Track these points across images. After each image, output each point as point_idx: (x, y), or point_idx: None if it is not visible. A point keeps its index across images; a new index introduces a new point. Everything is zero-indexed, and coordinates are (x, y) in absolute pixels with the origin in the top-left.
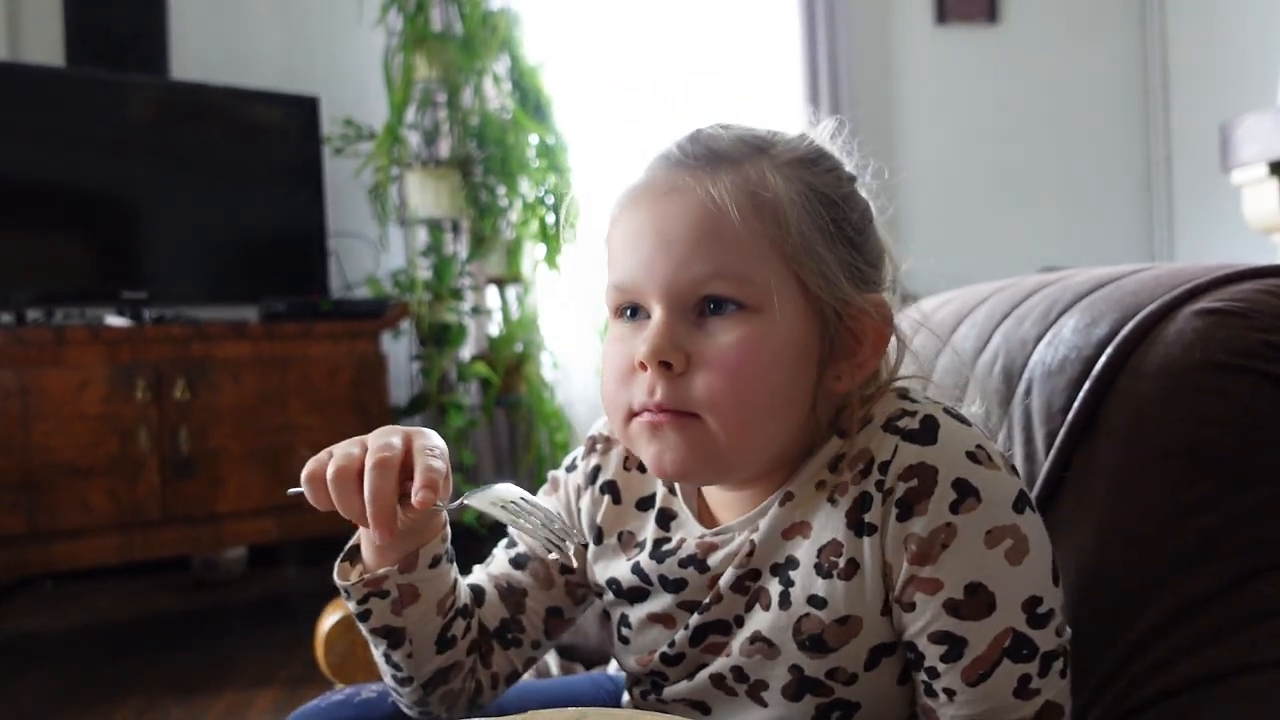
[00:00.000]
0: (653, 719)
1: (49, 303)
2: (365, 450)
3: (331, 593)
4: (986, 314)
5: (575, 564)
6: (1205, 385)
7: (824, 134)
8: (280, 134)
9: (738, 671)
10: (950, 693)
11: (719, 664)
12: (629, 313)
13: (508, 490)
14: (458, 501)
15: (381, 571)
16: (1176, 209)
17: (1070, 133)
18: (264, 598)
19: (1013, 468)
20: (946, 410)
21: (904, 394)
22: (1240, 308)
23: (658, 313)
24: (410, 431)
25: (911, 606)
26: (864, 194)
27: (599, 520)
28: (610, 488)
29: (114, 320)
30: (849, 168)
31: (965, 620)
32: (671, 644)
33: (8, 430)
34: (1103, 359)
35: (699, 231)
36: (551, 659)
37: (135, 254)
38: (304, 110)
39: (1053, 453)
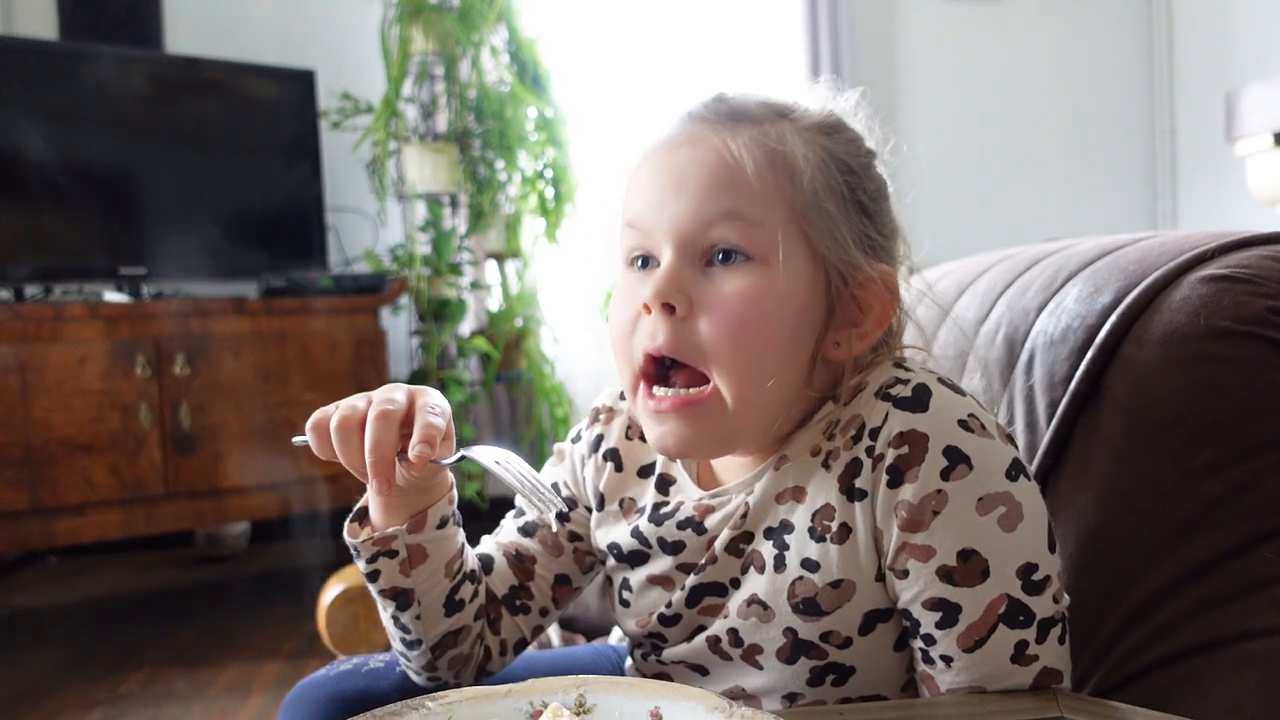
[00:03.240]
0: (654, 686)
1: (47, 279)
2: (370, 403)
3: (333, 567)
4: (989, 283)
5: (554, 527)
6: (1209, 352)
7: (847, 106)
8: (277, 108)
9: (733, 634)
10: (947, 659)
11: (716, 626)
12: (640, 263)
13: (497, 451)
14: (456, 455)
15: (390, 530)
16: (1180, 180)
17: (1074, 104)
18: (267, 572)
19: (1008, 437)
20: (941, 380)
21: (899, 363)
22: (1247, 274)
23: (666, 256)
24: (414, 389)
25: (905, 574)
26: (882, 171)
27: (601, 487)
28: (613, 455)
29: (112, 296)
30: (869, 144)
31: (959, 587)
32: (669, 605)
33: (8, 406)
34: (1106, 326)
35: (712, 177)
36: (553, 631)
37: (133, 230)
38: (300, 84)
39: (1055, 421)
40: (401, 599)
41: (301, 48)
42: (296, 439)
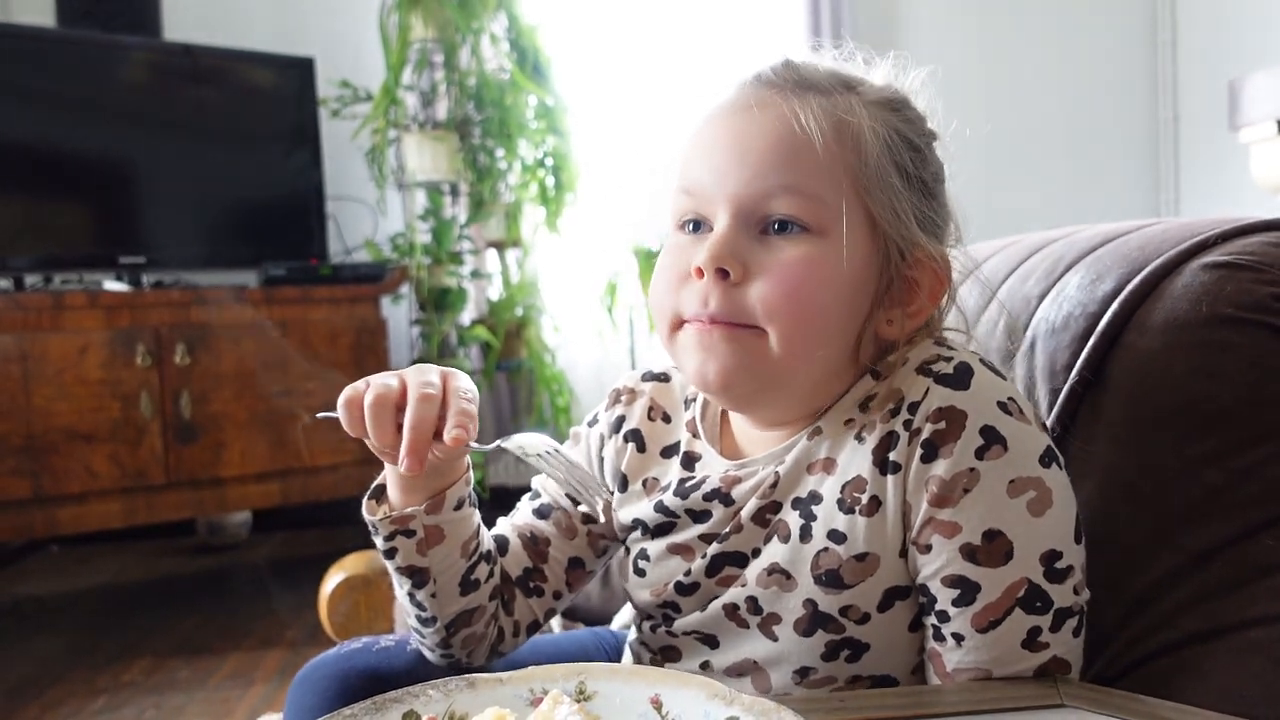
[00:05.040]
0: (654, 674)
1: (47, 268)
2: (403, 383)
3: (334, 555)
4: (989, 271)
5: (601, 517)
6: (1211, 339)
7: (913, 85)
8: (276, 96)
9: (752, 602)
10: (959, 638)
11: (733, 594)
12: (692, 226)
13: (538, 439)
14: (494, 445)
15: (408, 511)
16: (1183, 168)
17: (1077, 91)
18: (268, 561)
19: (1044, 425)
20: (983, 361)
21: (940, 341)
22: (1250, 260)
23: (722, 222)
24: (446, 371)
25: (928, 548)
26: (940, 154)
27: (623, 468)
28: (635, 436)
29: (112, 285)
30: (930, 125)
31: (981, 566)
32: (687, 573)
33: (9, 395)
34: (1108, 314)
35: (778, 147)
36: (554, 620)
37: (132, 218)
38: (300, 72)
39: (1056, 409)
40: (418, 577)
41: (300, 35)
42: (321, 414)
